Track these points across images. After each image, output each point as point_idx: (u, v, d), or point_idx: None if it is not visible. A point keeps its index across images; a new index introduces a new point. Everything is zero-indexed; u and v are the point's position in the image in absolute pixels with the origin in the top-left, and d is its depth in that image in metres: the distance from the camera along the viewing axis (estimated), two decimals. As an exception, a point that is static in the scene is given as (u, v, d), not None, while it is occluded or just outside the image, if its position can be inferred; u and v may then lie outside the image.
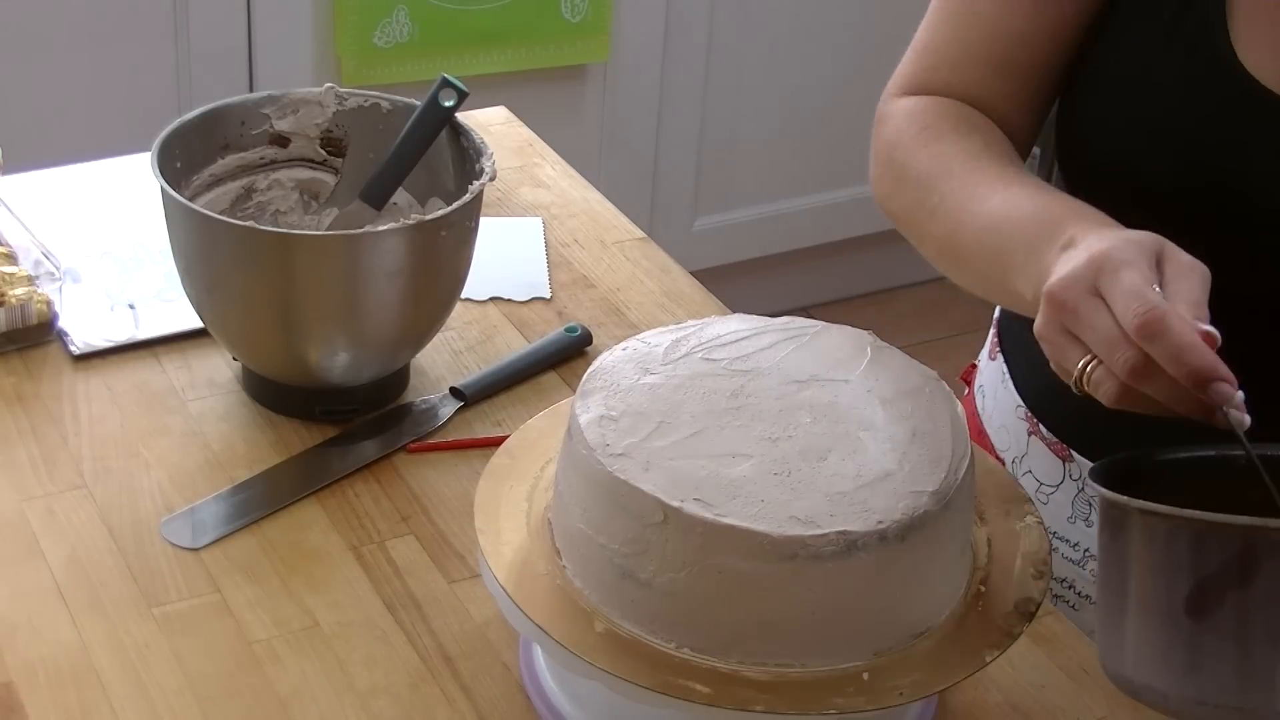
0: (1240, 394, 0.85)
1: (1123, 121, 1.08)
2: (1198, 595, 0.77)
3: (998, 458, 1.25)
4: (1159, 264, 0.90)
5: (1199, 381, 0.85)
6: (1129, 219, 1.03)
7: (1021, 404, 1.23)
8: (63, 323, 1.31)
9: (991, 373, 1.28)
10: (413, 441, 1.23)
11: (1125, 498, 0.80)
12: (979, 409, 1.29)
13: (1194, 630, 0.78)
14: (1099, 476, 0.88)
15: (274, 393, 1.25)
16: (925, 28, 1.17)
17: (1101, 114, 1.10)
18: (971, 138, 1.11)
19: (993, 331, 1.29)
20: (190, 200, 1.20)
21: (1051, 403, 1.20)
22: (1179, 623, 0.78)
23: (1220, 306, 0.88)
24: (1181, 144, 1.05)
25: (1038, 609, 0.96)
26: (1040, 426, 1.20)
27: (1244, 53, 1.02)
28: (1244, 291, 0.98)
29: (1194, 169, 1.04)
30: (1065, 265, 0.91)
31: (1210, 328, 0.86)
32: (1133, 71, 1.07)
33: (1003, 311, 1.28)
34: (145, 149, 1.21)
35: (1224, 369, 0.85)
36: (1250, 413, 0.84)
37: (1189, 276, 0.90)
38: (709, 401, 0.97)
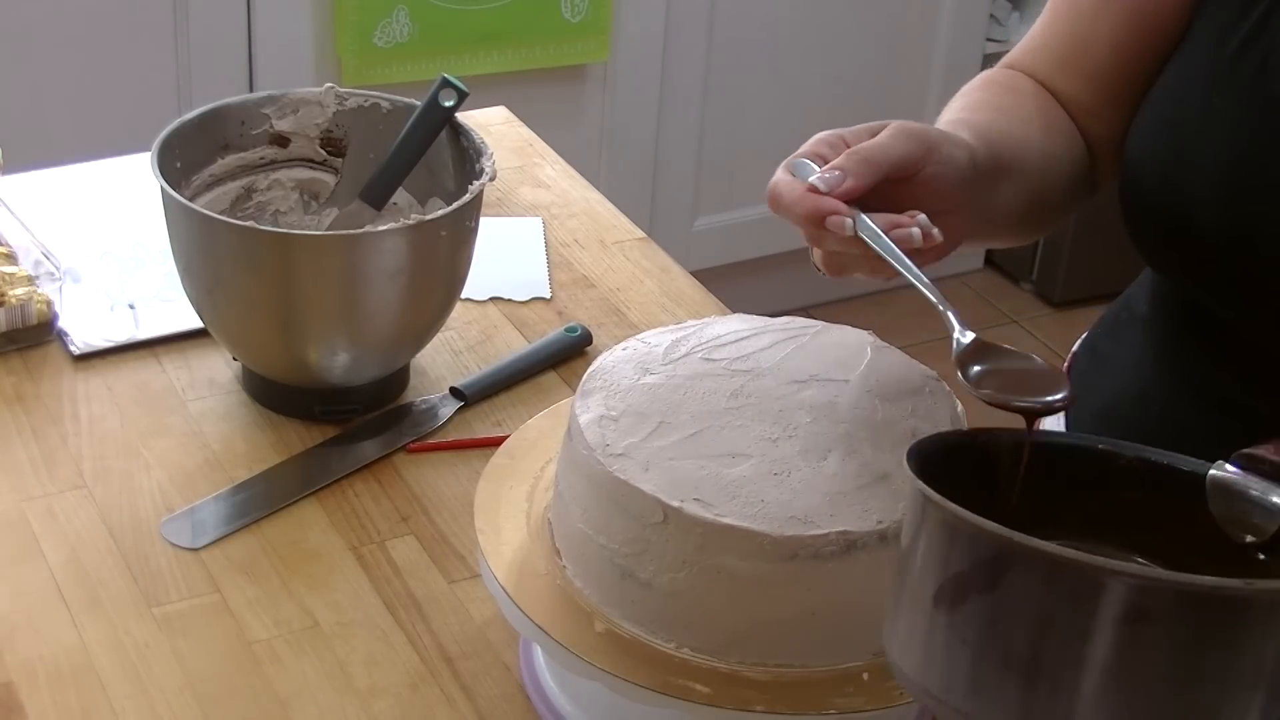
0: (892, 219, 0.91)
1: (1171, 152, 1.05)
2: (949, 590, 0.76)
3: None
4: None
5: (816, 225, 0.92)
6: (1175, 262, 1.03)
7: None
8: (63, 323, 1.31)
9: None
10: (413, 441, 1.23)
11: (914, 476, 0.79)
12: None
13: (938, 625, 0.77)
14: (935, 445, 0.86)
15: (274, 393, 1.25)
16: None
17: (1151, 140, 1.07)
18: (991, 91, 1.12)
19: (1065, 366, 1.27)
20: (190, 200, 1.20)
21: None
22: (930, 613, 0.77)
23: (1252, 371, 0.86)
24: (1224, 182, 1.02)
25: (1037, 609, 0.96)
26: None
27: None
28: None
29: (1239, 213, 1.01)
30: None
31: (825, 175, 0.92)
32: (1189, 100, 1.05)
33: (1078, 350, 1.26)
34: (145, 149, 1.21)
35: (829, 203, 0.92)
36: None
37: (873, 132, 0.96)
38: (709, 401, 0.97)
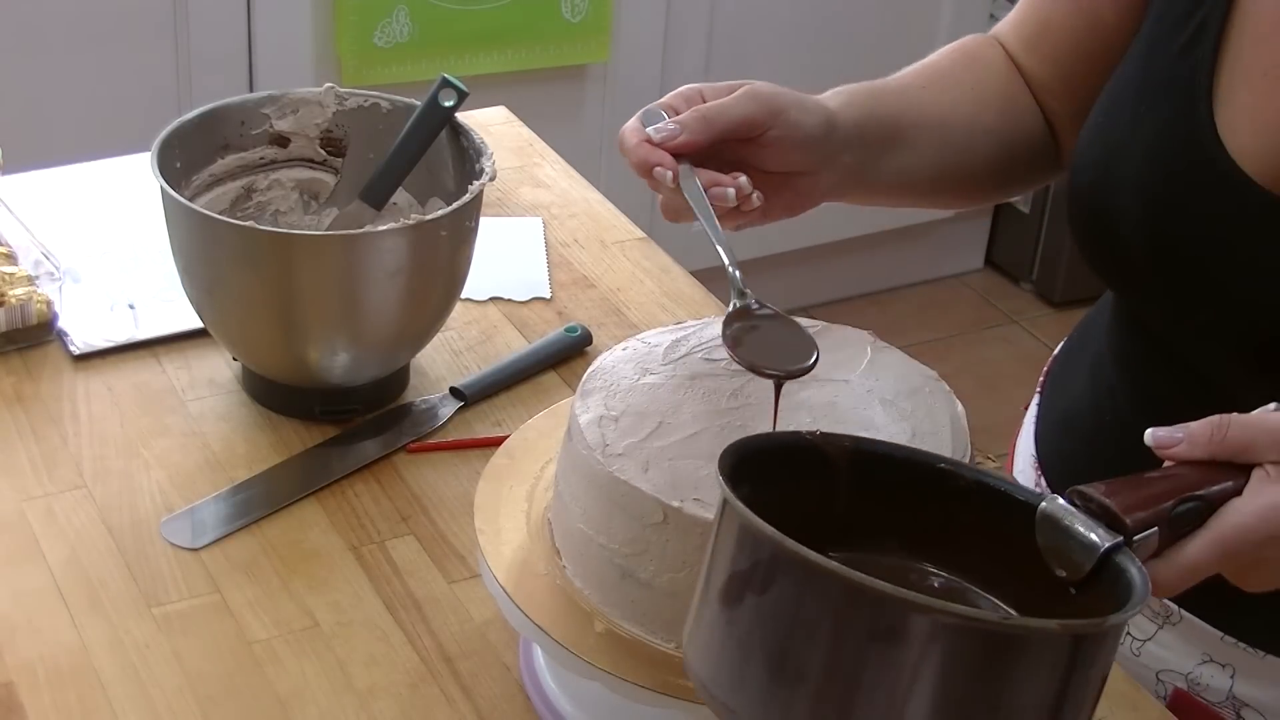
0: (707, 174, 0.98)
1: (1103, 159, 1.06)
2: (731, 586, 0.77)
3: None
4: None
5: (645, 175, 0.99)
6: (1109, 271, 1.06)
7: (1035, 453, 1.20)
8: (63, 323, 1.31)
9: (1029, 410, 1.26)
10: (413, 441, 1.23)
11: (718, 472, 0.80)
12: (1016, 447, 1.26)
13: (719, 619, 0.78)
14: (758, 444, 0.86)
15: (274, 393, 1.25)
16: None
17: (1088, 144, 1.08)
18: (950, 58, 1.17)
19: (1046, 368, 1.27)
20: (190, 200, 1.20)
21: (1059, 462, 1.18)
22: (715, 607, 0.78)
23: (1188, 383, 0.86)
24: (1146, 200, 1.03)
25: (1037, 609, 0.96)
26: (1043, 479, 1.18)
27: (1221, 120, 0.99)
28: (1212, 370, 0.96)
29: (1157, 230, 1.02)
30: None
31: (661, 127, 0.99)
32: (1120, 110, 1.05)
33: (1057, 354, 1.26)
34: (145, 149, 1.21)
35: (657, 154, 0.99)
36: None
37: (731, 90, 1.02)
38: (709, 401, 0.97)
